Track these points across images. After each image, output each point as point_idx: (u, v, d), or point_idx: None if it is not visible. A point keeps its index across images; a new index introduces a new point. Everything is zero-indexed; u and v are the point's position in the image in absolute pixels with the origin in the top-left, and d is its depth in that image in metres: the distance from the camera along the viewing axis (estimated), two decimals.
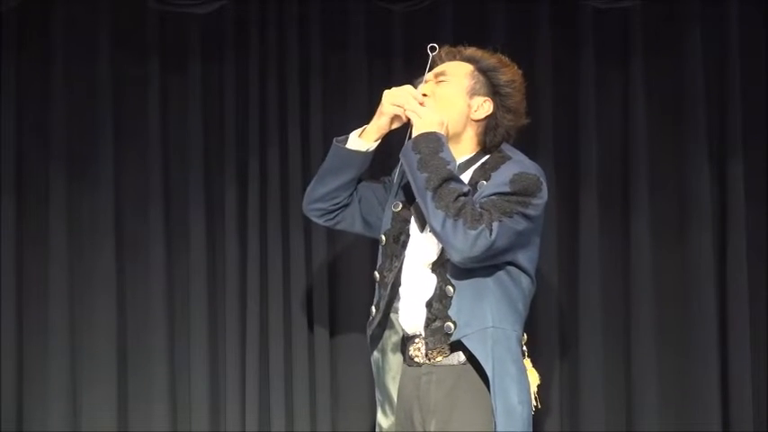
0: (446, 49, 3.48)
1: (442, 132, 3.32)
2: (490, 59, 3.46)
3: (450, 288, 3.30)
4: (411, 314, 3.39)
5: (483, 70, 3.43)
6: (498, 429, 3.24)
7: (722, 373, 4.62)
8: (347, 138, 3.56)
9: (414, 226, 3.43)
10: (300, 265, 4.57)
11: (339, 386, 4.60)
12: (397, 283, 3.45)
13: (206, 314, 4.57)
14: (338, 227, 3.68)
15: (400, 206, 3.47)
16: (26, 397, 4.56)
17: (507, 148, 3.44)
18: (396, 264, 3.44)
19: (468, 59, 3.46)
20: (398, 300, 3.46)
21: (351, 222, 3.64)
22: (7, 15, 4.54)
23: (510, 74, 3.45)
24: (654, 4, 4.62)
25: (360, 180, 3.61)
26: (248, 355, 4.54)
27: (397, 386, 3.49)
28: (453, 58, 3.47)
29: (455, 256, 3.22)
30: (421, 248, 3.39)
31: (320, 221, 3.66)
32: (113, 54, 4.59)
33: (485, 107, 3.41)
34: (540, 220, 3.37)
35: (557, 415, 4.57)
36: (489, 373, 3.25)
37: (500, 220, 3.21)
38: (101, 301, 4.56)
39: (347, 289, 4.60)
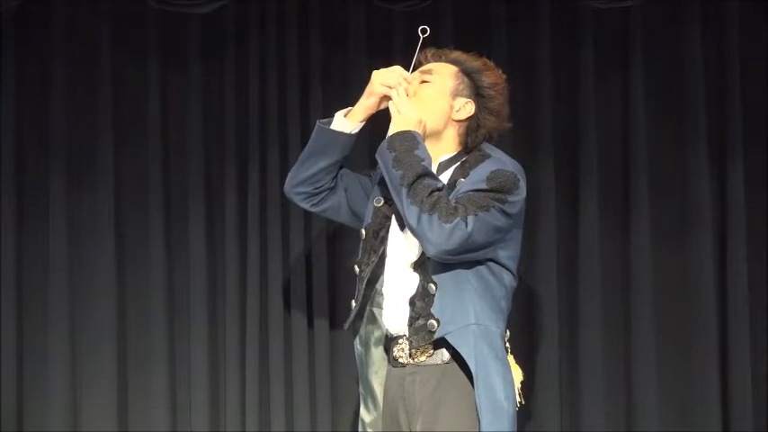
0: (432, 50, 3.52)
1: (419, 131, 3.37)
2: (475, 62, 3.49)
3: (433, 286, 3.31)
4: (394, 313, 3.40)
5: (467, 72, 3.47)
6: (484, 426, 3.25)
7: (722, 373, 4.62)
8: (331, 120, 3.58)
9: (394, 225, 3.44)
10: (300, 265, 4.57)
11: (339, 385, 4.60)
12: (373, 279, 3.47)
13: (206, 314, 4.57)
14: (324, 214, 3.70)
15: (382, 201, 3.49)
16: (26, 397, 4.56)
17: (487, 147, 3.47)
18: (373, 258, 3.46)
19: (454, 62, 3.50)
20: (379, 295, 3.48)
21: (336, 210, 3.65)
22: (7, 15, 4.54)
23: (493, 77, 3.49)
24: (654, 4, 4.62)
25: (342, 166, 3.62)
26: (248, 355, 4.54)
27: (379, 381, 3.50)
28: (439, 60, 3.51)
29: (430, 250, 3.24)
30: (402, 248, 3.41)
31: (304, 205, 3.66)
32: (113, 54, 4.59)
33: (467, 108, 3.45)
34: (521, 218, 3.40)
35: (557, 415, 4.57)
36: (473, 370, 3.26)
37: (476, 214, 3.23)
38: (101, 301, 4.56)
39: (347, 288, 4.57)
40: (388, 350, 3.47)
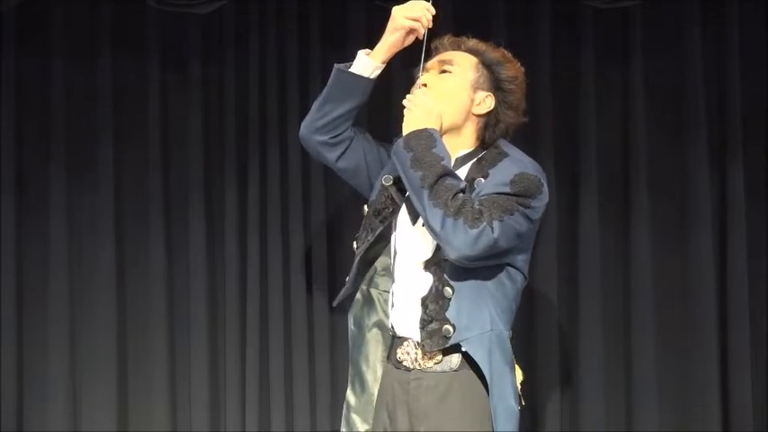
0: (450, 37, 3.42)
1: (435, 126, 3.24)
2: (494, 54, 3.39)
3: (449, 289, 3.22)
4: (404, 313, 3.32)
5: (487, 64, 3.37)
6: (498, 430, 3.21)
7: (722, 373, 4.62)
8: (349, 64, 3.44)
9: (405, 219, 3.35)
10: (300, 265, 4.57)
11: (339, 385, 4.59)
12: (371, 258, 3.40)
13: (206, 314, 4.57)
14: (344, 174, 3.54)
15: (391, 181, 3.38)
16: (26, 397, 4.56)
17: (504, 144, 3.38)
18: (369, 237, 3.38)
19: (473, 51, 3.39)
20: (378, 276, 3.42)
21: (355, 172, 3.52)
22: (7, 15, 4.54)
23: (513, 70, 3.39)
24: (654, 4, 4.62)
25: (356, 119, 3.50)
26: (248, 355, 4.54)
27: (369, 366, 3.42)
28: (457, 48, 3.40)
29: (452, 254, 3.14)
30: (413, 245, 3.31)
31: (326, 155, 3.48)
32: (113, 54, 4.59)
33: (487, 102, 3.35)
34: (538, 222, 3.32)
35: (557, 415, 4.57)
36: (488, 378, 3.21)
37: (501, 219, 3.13)
38: (101, 301, 4.56)
39: None
40: (390, 348, 3.41)
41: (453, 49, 3.40)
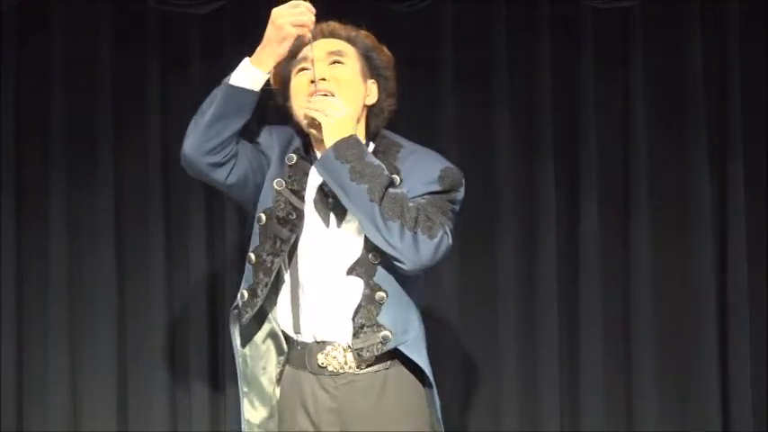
0: (328, 25, 3.25)
1: (353, 128, 3.10)
2: (367, 40, 3.25)
3: (382, 294, 3.09)
4: (325, 321, 3.14)
5: (363, 52, 3.23)
6: (443, 428, 3.15)
7: (722, 373, 4.62)
8: (230, 77, 3.14)
9: (314, 224, 3.17)
10: None
11: None
12: (284, 271, 3.18)
13: (206, 314, 4.57)
14: (231, 191, 3.22)
15: (284, 184, 3.19)
16: (26, 397, 4.56)
17: (388, 134, 3.25)
18: (283, 247, 3.14)
19: (348, 40, 3.23)
20: (280, 293, 3.22)
21: (243, 185, 3.21)
22: (7, 15, 4.54)
23: (387, 56, 3.26)
24: (654, 4, 4.62)
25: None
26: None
27: (268, 377, 3.25)
28: (337, 37, 3.24)
29: (409, 266, 3.03)
30: (332, 249, 3.15)
31: (214, 177, 3.15)
32: (113, 54, 4.58)
33: (373, 91, 3.22)
34: None
35: (557, 415, 4.57)
36: (430, 377, 3.13)
37: (448, 224, 3.08)
38: (101, 302, 4.56)
39: None
40: (289, 353, 3.21)
41: (333, 38, 3.24)
